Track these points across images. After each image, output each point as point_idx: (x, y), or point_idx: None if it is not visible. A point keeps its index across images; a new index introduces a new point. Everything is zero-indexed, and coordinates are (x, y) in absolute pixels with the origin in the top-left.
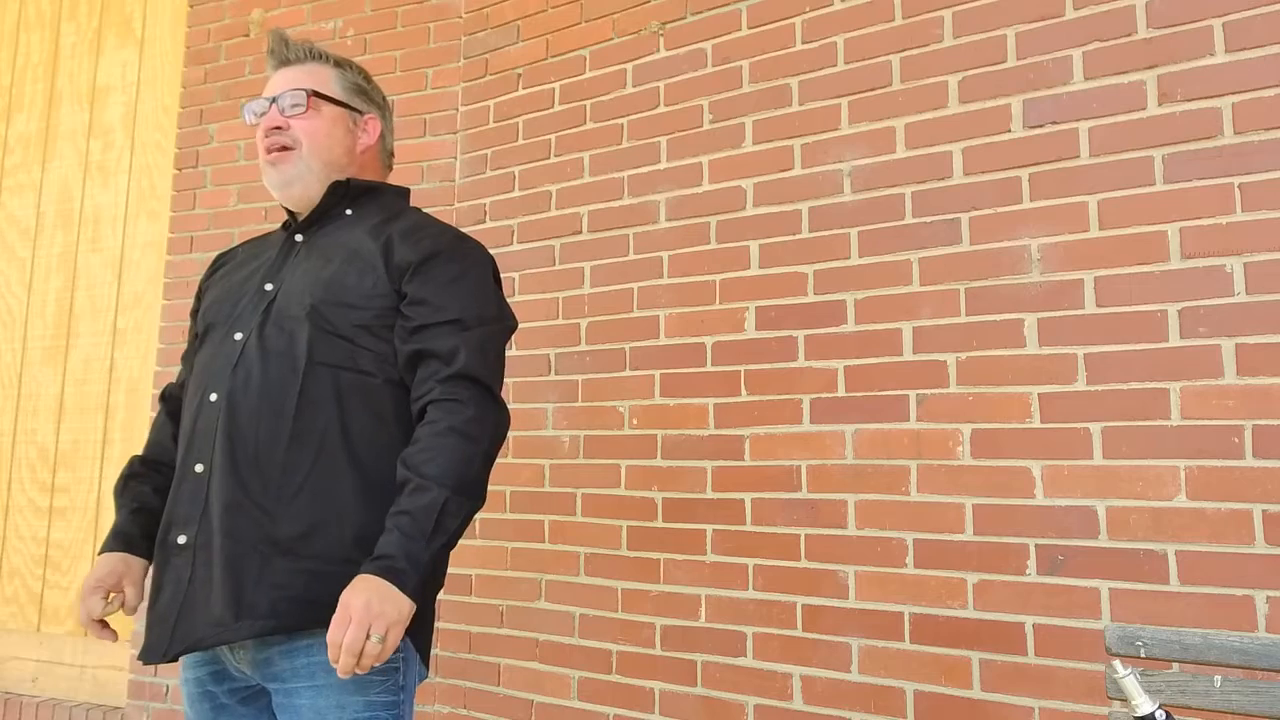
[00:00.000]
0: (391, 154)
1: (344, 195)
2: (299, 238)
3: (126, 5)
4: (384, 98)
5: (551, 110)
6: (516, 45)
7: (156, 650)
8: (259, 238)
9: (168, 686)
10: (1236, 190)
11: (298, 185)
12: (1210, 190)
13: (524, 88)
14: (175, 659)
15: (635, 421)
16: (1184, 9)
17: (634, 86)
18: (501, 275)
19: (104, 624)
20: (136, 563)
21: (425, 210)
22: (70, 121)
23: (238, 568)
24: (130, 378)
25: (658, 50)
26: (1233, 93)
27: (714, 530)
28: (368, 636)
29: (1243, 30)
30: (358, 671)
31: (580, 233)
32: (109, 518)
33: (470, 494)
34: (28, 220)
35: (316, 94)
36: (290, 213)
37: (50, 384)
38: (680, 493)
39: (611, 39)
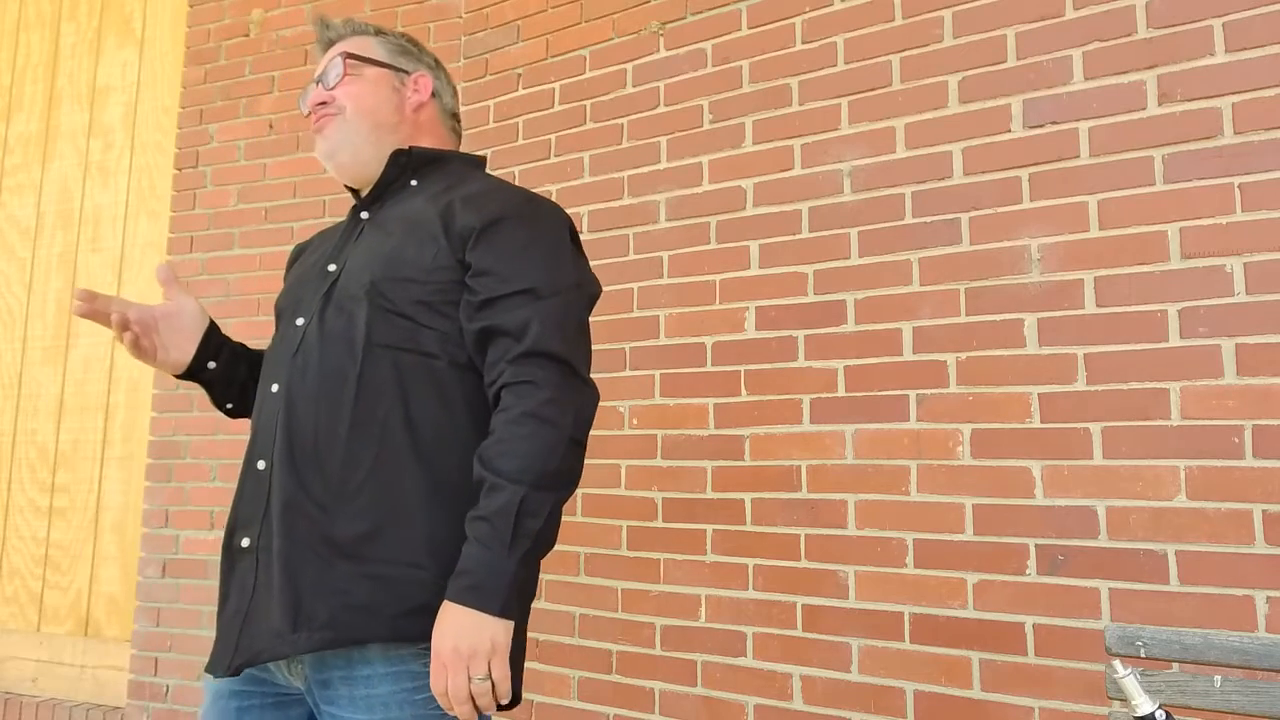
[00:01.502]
0: (456, 116)
1: (406, 165)
2: (364, 215)
3: (126, 5)
4: (436, 60)
5: (551, 110)
6: (516, 45)
7: (220, 663)
8: (334, 224)
9: (168, 686)
10: (1236, 190)
11: (345, 151)
12: (1210, 190)
13: (524, 88)
14: (239, 672)
15: (635, 421)
16: (1184, 9)
17: (634, 86)
18: None
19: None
20: (198, 319)
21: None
22: (70, 121)
23: (295, 572)
24: (130, 378)
25: (658, 50)
26: (1233, 93)
27: (714, 530)
28: (471, 679)
29: (1243, 30)
30: (484, 712)
31: (580, 233)
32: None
33: (553, 486)
34: (28, 220)
35: (352, 56)
36: (355, 193)
37: (50, 384)
38: (680, 493)
39: (611, 39)
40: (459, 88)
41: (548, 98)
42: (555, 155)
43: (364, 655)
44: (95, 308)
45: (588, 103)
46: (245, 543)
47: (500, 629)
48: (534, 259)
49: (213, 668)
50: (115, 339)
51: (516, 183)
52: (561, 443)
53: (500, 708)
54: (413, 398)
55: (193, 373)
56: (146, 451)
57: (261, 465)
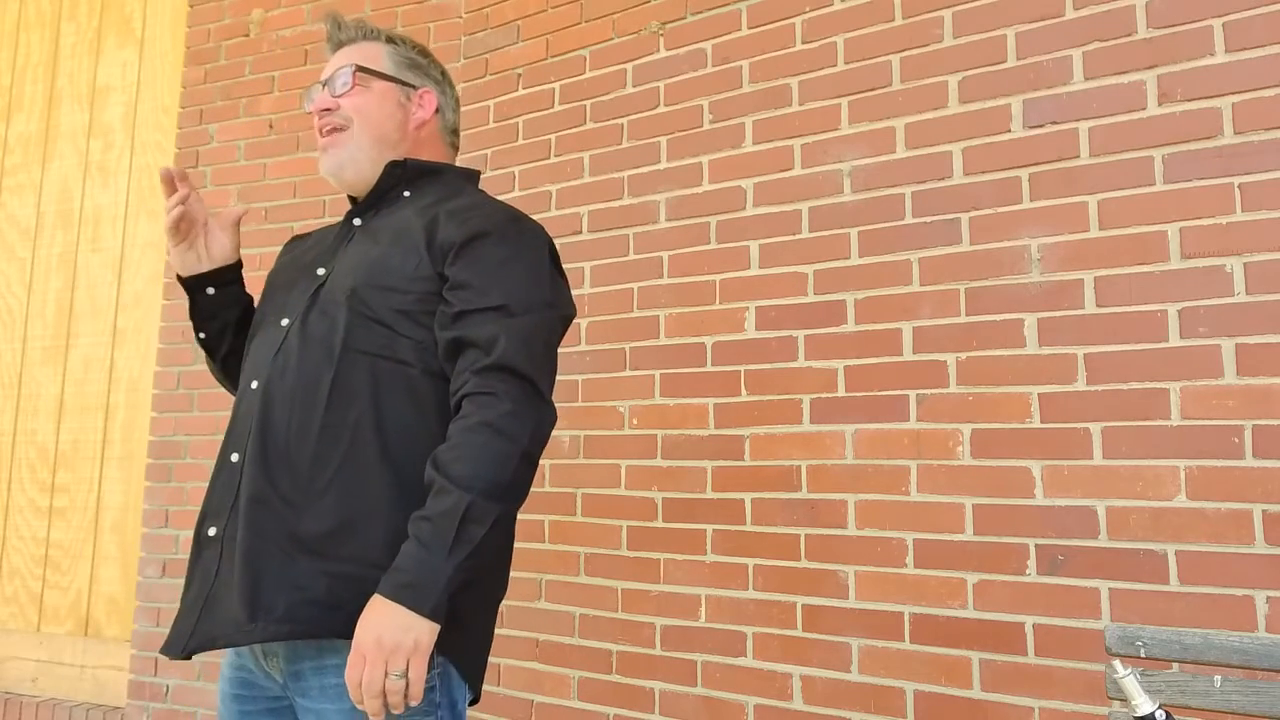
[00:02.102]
0: (455, 131)
1: (400, 176)
2: (356, 221)
3: (126, 5)
4: (443, 73)
5: (551, 110)
6: (516, 45)
7: (176, 645)
8: (332, 224)
9: (168, 686)
10: (1236, 190)
11: (349, 169)
12: (1210, 190)
13: (524, 88)
14: (190, 656)
15: (635, 421)
16: (1184, 9)
17: (634, 86)
18: None
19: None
20: (225, 255)
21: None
22: (70, 121)
23: (256, 565)
24: (130, 378)
25: (658, 50)
26: (1233, 93)
27: (714, 530)
28: (388, 674)
29: (1243, 30)
30: (393, 711)
31: (580, 233)
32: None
33: (501, 498)
34: (28, 220)
35: (362, 69)
36: (352, 199)
37: (50, 384)
38: (680, 493)
39: (611, 39)
40: (459, 88)
41: (548, 98)
42: (555, 155)
43: (332, 645)
44: (175, 180)
45: (588, 103)
46: (212, 532)
47: (426, 630)
48: (510, 276)
49: (168, 649)
50: (168, 209)
51: (516, 183)
52: (515, 456)
53: (471, 703)
54: (385, 403)
55: (190, 287)
56: (146, 451)
57: (235, 458)
